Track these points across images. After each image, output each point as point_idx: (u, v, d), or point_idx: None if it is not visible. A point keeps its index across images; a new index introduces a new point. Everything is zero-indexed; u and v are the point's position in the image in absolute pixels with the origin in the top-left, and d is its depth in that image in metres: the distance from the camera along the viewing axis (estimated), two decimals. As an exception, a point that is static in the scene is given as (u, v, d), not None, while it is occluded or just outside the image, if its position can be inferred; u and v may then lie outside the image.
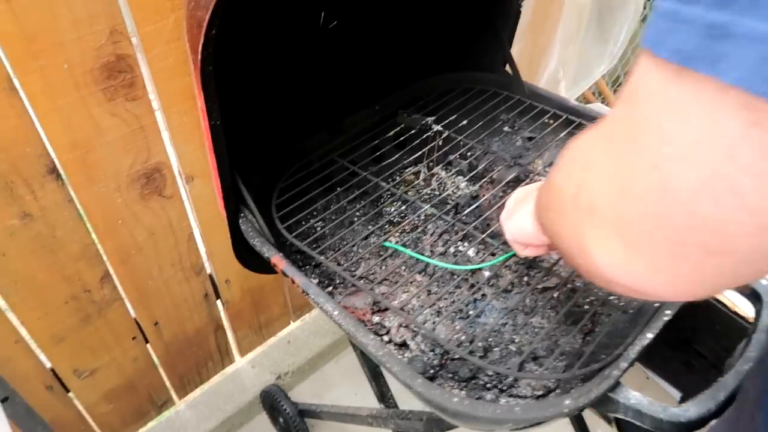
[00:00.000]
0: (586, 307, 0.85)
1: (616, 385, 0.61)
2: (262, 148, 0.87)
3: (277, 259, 0.76)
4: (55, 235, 0.90)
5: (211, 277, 1.20)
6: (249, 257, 0.86)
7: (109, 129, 0.86)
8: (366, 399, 1.43)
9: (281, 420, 1.33)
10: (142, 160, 0.93)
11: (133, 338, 1.13)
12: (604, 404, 0.62)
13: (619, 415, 0.63)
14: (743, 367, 0.64)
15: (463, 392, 0.78)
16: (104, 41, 0.77)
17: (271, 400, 1.33)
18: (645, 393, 0.62)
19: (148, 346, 1.17)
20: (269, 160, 0.90)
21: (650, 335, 0.65)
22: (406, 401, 1.02)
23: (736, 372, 0.64)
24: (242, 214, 0.82)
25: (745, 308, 1.15)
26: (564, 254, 0.44)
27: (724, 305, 1.16)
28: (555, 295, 0.88)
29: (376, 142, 0.97)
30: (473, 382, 0.79)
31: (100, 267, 0.99)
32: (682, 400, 1.38)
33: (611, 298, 0.87)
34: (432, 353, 0.81)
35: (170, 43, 0.84)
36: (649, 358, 1.44)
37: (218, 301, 1.25)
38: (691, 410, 0.61)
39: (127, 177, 0.93)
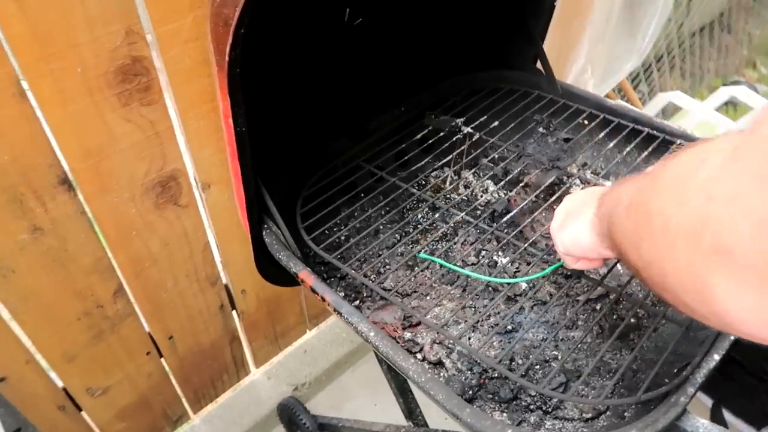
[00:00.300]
0: (632, 320, 0.80)
1: (683, 412, 0.56)
2: (285, 154, 0.82)
3: (306, 275, 0.71)
4: (66, 249, 0.85)
5: (226, 287, 1.15)
6: (272, 270, 0.81)
7: (124, 136, 0.81)
8: (387, 410, 1.38)
9: (299, 434, 1.28)
10: (157, 168, 0.88)
11: (147, 353, 1.08)
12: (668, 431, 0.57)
13: (684, 445, 0.58)
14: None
15: (505, 414, 0.73)
16: (119, 42, 0.72)
17: (290, 414, 1.28)
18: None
19: (163, 360, 1.12)
20: (293, 168, 0.85)
21: (717, 357, 0.60)
22: (434, 416, 0.97)
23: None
24: (266, 226, 0.77)
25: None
26: (659, 286, 0.39)
27: None
28: (597, 307, 0.83)
29: (403, 146, 0.92)
30: (515, 403, 0.74)
31: (113, 281, 0.94)
32: (716, 405, 1.33)
33: (657, 308, 0.82)
34: (470, 372, 0.76)
35: (188, 42, 0.79)
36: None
37: (234, 312, 1.20)
38: (766, 440, 0.56)
39: (142, 186, 0.88)
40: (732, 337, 0.62)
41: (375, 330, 0.65)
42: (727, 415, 1.33)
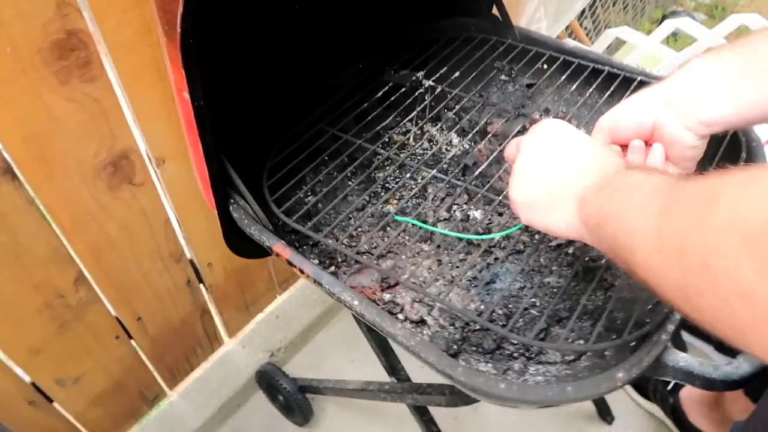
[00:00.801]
0: (603, 261, 0.82)
1: (665, 349, 0.59)
2: (245, 125, 0.78)
3: (281, 248, 0.69)
4: (18, 242, 0.80)
5: (192, 262, 1.11)
6: (243, 245, 0.79)
7: (66, 116, 0.75)
8: (364, 366, 1.40)
9: (281, 398, 1.29)
10: (107, 147, 0.83)
11: (117, 337, 1.05)
12: (652, 369, 0.59)
13: (667, 378, 0.60)
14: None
15: (490, 364, 0.74)
16: (51, 15, 0.66)
17: (268, 380, 1.28)
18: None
19: (133, 342, 1.10)
20: (254, 138, 0.81)
21: (692, 292, 0.62)
22: (417, 372, 0.99)
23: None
24: (232, 201, 0.74)
25: None
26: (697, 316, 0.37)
27: None
28: (570, 251, 0.85)
29: (365, 105, 0.89)
30: (498, 353, 0.75)
31: (72, 269, 0.89)
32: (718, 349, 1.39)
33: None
34: (452, 327, 0.77)
35: (127, 11, 0.73)
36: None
37: (201, 286, 1.18)
38: (743, 366, 0.58)
39: (92, 168, 0.82)
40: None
41: (359, 298, 0.64)
42: (685, 336, 1.41)
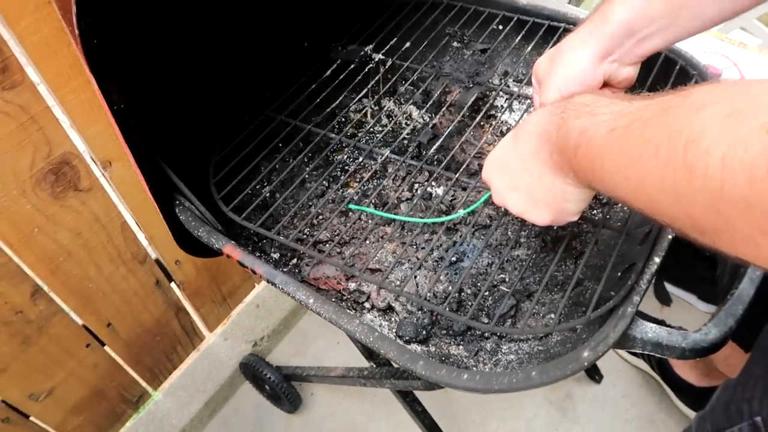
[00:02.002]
0: (574, 229, 0.80)
1: (631, 321, 0.56)
2: (184, 121, 0.74)
3: (231, 249, 0.66)
4: (-40, 264, 0.76)
5: (158, 262, 1.08)
6: (196, 246, 0.75)
7: (-9, 128, 0.71)
8: (350, 346, 1.38)
9: (267, 388, 1.27)
10: (44, 156, 0.78)
11: (87, 345, 1.02)
12: (620, 343, 0.57)
13: (636, 351, 0.58)
14: (756, 273, 0.60)
15: (461, 347, 0.72)
16: (-50, 22, 0.61)
17: (253, 371, 1.26)
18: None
19: (107, 348, 1.07)
20: (195, 133, 0.77)
21: (657, 259, 0.60)
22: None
23: (750, 279, 0.60)
24: (177, 202, 0.70)
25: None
26: (674, 221, 0.37)
27: None
28: (537, 221, 0.82)
29: (314, 85, 0.84)
30: (469, 334, 0.73)
31: (26, 283, 0.86)
32: (658, 280, 1.38)
33: (593, 214, 0.82)
34: (421, 312, 0.74)
35: (41, 9, 0.68)
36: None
37: (172, 284, 1.14)
38: (712, 332, 0.56)
39: (31, 178, 0.78)
40: (670, 236, 0.61)
41: (314, 296, 0.61)
42: (669, 287, 1.40)
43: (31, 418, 1.00)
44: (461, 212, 0.76)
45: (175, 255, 1.10)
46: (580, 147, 0.46)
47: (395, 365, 0.56)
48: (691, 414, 1.21)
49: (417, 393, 1.03)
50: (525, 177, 0.56)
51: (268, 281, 0.63)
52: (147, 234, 1.02)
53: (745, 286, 0.59)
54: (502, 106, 0.90)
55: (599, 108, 0.45)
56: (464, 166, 0.77)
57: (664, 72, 0.76)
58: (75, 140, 0.82)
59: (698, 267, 1.30)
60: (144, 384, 1.20)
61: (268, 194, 0.81)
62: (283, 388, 1.24)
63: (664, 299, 1.38)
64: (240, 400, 1.34)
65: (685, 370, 1.18)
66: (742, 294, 0.59)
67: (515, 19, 0.86)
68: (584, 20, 0.61)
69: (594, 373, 1.30)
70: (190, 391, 1.28)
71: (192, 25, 0.73)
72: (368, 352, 0.96)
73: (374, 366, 0.95)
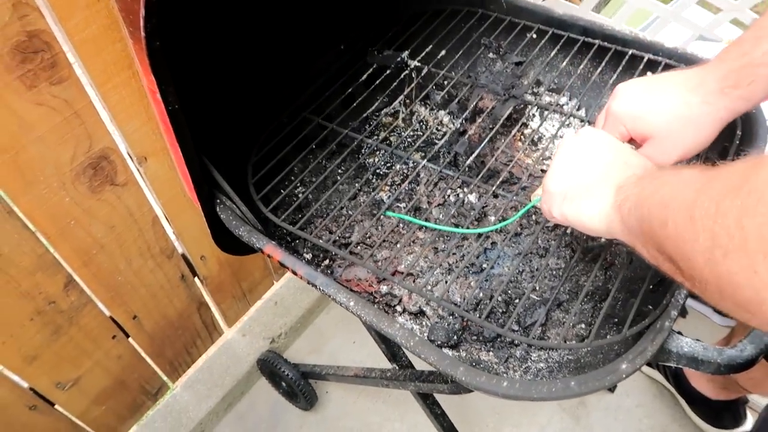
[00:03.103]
0: (602, 240, 0.81)
1: (669, 335, 0.57)
2: (225, 122, 0.75)
3: (272, 249, 0.67)
4: (1, 253, 0.77)
5: (184, 256, 1.09)
6: (233, 244, 0.76)
7: (38, 122, 0.72)
8: (365, 346, 1.40)
9: (284, 385, 1.29)
10: (84, 150, 0.80)
11: (113, 337, 1.04)
12: (657, 356, 0.57)
13: (671, 364, 0.59)
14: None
15: (491, 353, 0.73)
16: (8, 18, 0.62)
17: (270, 368, 1.28)
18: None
19: (131, 340, 1.08)
20: (236, 133, 0.78)
21: (695, 275, 0.60)
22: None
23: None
24: (218, 201, 0.72)
25: None
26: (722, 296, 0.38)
27: None
28: (568, 230, 0.83)
29: (350, 90, 0.85)
30: (499, 340, 0.74)
31: (60, 274, 0.87)
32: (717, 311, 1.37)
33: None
34: (452, 317, 0.76)
35: (90, 6, 0.69)
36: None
37: (196, 279, 1.16)
38: (747, 348, 0.57)
39: (71, 171, 0.80)
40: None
41: (354, 299, 0.62)
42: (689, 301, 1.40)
43: (56, 407, 1.01)
44: (497, 225, 0.77)
45: (201, 250, 1.11)
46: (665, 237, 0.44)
47: (435, 368, 0.57)
48: (705, 427, 1.22)
49: (436, 396, 1.04)
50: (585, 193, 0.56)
51: (309, 282, 0.65)
52: (176, 229, 1.04)
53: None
54: (534, 115, 0.91)
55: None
56: (498, 175, 0.78)
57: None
58: (114, 135, 0.83)
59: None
60: (164, 376, 1.22)
61: (302, 196, 0.82)
62: (300, 385, 1.25)
63: (681, 311, 1.38)
64: (256, 396, 1.35)
65: (701, 382, 1.19)
66: (777, 312, 0.60)
67: (550, 32, 0.87)
68: (718, 59, 0.58)
69: (608, 382, 1.31)
70: (207, 385, 1.29)
71: (238, 29, 0.74)
72: (392, 354, 0.97)
73: (397, 368, 0.96)
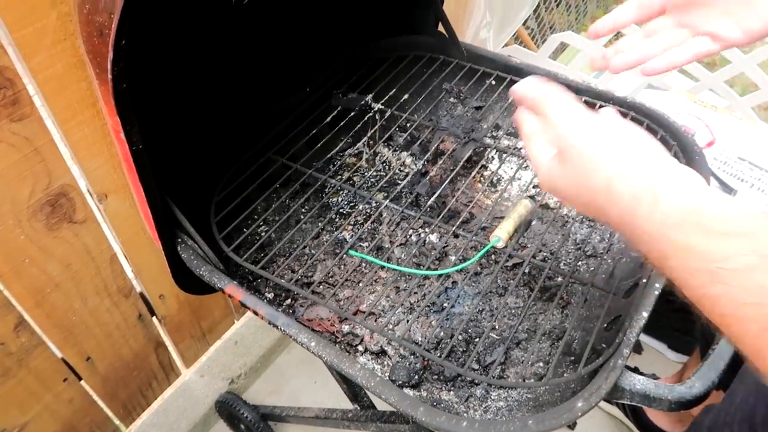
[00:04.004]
0: (559, 279, 0.83)
1: (621, 373, 0.59)
2: (189, 160, 0.75)
3: (233, 290, 0.67)
4: (-51, 293, 0.75)
5: (142, 295, 1.07)
6: (193, 284, 0.76)
7: (-4, 159, 0.71)
8: (326, 386, 1.38)
9: (243, 427, 1.26)
10: (43, 187, 0.78)
11: (65, 380, 1.00)
12: (611, 394, 0.59)
13: (624, 401, 0.61)
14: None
15: (452, 392, 0.74)
16: (-30, 56, 0.62)
17: (229, 409, 1.25)
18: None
19: (83, 383, 1.05)
20: (199, 172, 0.78)
21: (645, 314, 0.63)
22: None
23: (729, 337, 0.64)
24: (179, 240, 0.71)
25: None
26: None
27: None
28: (526, 270, 0.85)
29: (314, 131, 0.87)
30: (460, 379, 0.75)
31: (11, 315, 0.84)
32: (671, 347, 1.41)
33: (578, 265, 0.85)
34: (413, 356, 0.76)
35: (56, 45, 0.69)
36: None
37: (154, 319, 1.13)
38: (696, 386, 0.60)
39: (28, 209, 0.78)
40: (656, 293, 0.65)
41: (315, 339, 0.62)
42: (641, 336, 1.44)
43: (0, 455, 0.96)
44: (458, 267, 0.79)
45: (160, 289, 1.09)
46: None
47: (395, 408, 0.58)
48: None
49: None
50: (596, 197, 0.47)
51: (270, 323, 0.64)
52: (134, 267, 1.02)
53: (724, 342, 0.63)
54: (493, 157, 0.94)
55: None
56: (458, 215, 0.80)
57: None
58: (75, 173, 0.82)
59: (669, 317, 1.34)
60: (116, 420, 1.17)
61: (265, 235, 0.83)
62: (259, 427, 1.22)
63: (636, 347, 1.42)
64: (213, 439, 1.31)
65: (658, 416, 1.22)
66: (722, 350, 0.62)
67: (508, 79, 0.91)
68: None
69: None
70: (163, 429, 1.25)
71: (204, 70, 0.75)
72: (353, 394, 0.96)
73: (358, 408, 0.95)
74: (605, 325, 0.71)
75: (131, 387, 1.17)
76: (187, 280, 0.75)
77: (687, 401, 0.59)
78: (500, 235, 0.73)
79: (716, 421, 0.64)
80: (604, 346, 0.61)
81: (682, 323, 1.32)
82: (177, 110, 0.73)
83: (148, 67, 0.64)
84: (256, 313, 0.65)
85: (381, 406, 0.97)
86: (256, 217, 0.82)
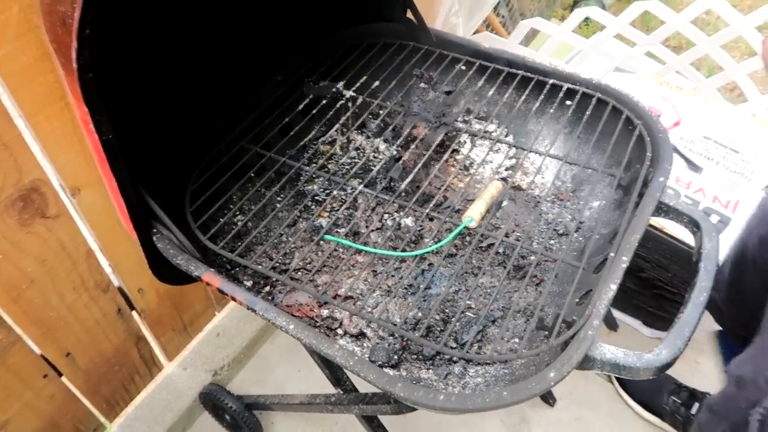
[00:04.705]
0: (532, 257, 0.85)
1: (592, 344, 0.61)
2: (162, 150, 0.75)
3: (210, 277, 0.67)
4: None
5: (121, 290, 1.07)
6: (170, 274, 0.76)
7: (-37, 155, 0.70)
8: (310, 375, 1.39)
9: (227, 417, 1.26)
10: (13, 183, 0.78)
11: (45, 376, 1.00)
12: (582, 364, 0.61)
13: (595, 371, 0.63)
14: (700, 298, 0.66)
15: (431, 371, 0.76)
16: (-68, 51, 0.61)
17: (213, 401, 1.25)
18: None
19: (64, 379, 1.04)
20: (173, 163, 0.78)
21: (613, 286, 0.65)
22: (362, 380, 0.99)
23: (695, 304, 0.66)
24: (155, 230, 0.72)
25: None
26: None
27: (667, 234, 1.19)
28: (500, 250, 0.87)
29: (287, 119, 0.87)
30: (438, 358, 0.76)
31: (-13, 312, 0.84)
32: (646, 323, 1.44)
33: (551, 243, 0.87)
34: (392, 337, 0.78)
35: (19, 37, 0.69)
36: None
37: (134, 313, 1.13)
38: (663, 353, 0.62)
39: (-1, 205, 0.77)
40: (624, 266, 0.67)
41: (294, 322, 0.63)
42: (616, 313, 1.48)
43: (-18, 455, 0.96)
44: (432, 247, 0.80)
45: (139, 283, 1.09)
46: None
47: (374, 386, 0.59)
48: (644, 413, 1.28)
49: (381, 418, 1.04)
50: None
51: (248, 308, 0.65)
52: (111, 262, 1.02)
53: (689, 311, 0.66)
54: (465, 142, 0.95)
55: None
56: (432, 198, 0.82)
57: (613, 122, 0.83)
58: (45, 167, 0.81)
59: (643, 295, 1.38)
60: (100, 416, 1.17)
61: (242, 224, 0.83)
62: (244, 417, 1.23)
63: (612, 324, 1.45)
64: (199, 431, 1.32)
65: None
66: (688, 318, 0.65)
67: (477, 63, 0.92)
68: None
69: (548, 397, 1.35)
70: (147, 423, 1.25)
71: (175, 59, 0.75)
72: (336, 378, 0.97)
73: (341, 392, 0.96)
74: (577, 300, 0.73)
75: (113, 382, 1.16)
76: (164, 270, 0.75)
77: (656, 368, 0.61)
78: (472, 215, 0.74)
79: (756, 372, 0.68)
80: (575, 318, 0.63)
81: (655, 300, 1.36)
82: (148, 100, 0.72)
83: (116, 56, 0.64)
84: (234, 299, 0.66)
85: (363, 389, 0.98)
86: (231, 206, 0.83)
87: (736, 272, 1.11)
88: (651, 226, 1.20)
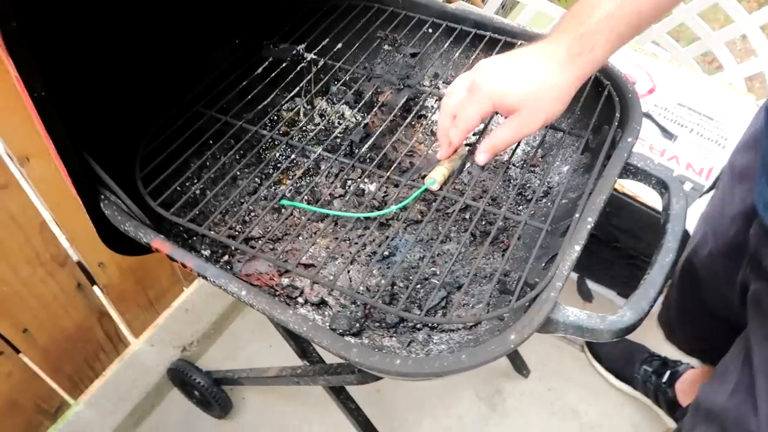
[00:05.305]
0: (499, 223, 0.83)
1: (554, 306, 0.59)
2: (110, 115, 0.72)
3: (159, 243, 0.64)
4: None
5: (80, 264, 1.04)
6: (122, 243, 0.73)
7: None
8: (282, 349, 1.36)
9: (196, 393, 1.24)
10: (-47, 149, 0.74)
11: (1, 353, 0.97)
12: (544, 327, 0.60)
13: (558, 334, 0.62)
14: (666, 259, 0.65)
15: (394, 339, 0.74)
16: None
17: (181, 377, 1.23)
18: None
19: (22, 356, 1.01)
20: (120, 127, 0.74)
21: (578, 247, 0.63)
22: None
23: (660, 266, 0.65)
24: (102, 197, 0.68)
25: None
26: None
27: (640, 203, 1.18)
28: (467, 216, 0.85)
29: (245, 83, 0.84)
30: (402, 325, 0.75)
31: (-67, 287, 0.80)
32: (581, 278, 1.45)
33: (518, 210, 0.85)
34: (354, 305, 0.75)
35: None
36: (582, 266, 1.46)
37: (95, 288, 1.10)
38: (627, 315, 0.60)
39: (-62, 174, 0.74)
40: (589, 227, 0.65)
41: (246, 288, 0.61)
42: (591, 284, 1.47)
43: (-63, 434, 0.93)
44: (393, 207, 0.78)
45: (99, 257, 1.06)
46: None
47: (331, 353, 0.57)
48: (614, 380, 1.30)
49: (350, 391, 1.03)
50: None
51: (198, 274, 0.63)
52: (68, 235, 0.98)
53: (655, 272, 0.64)
54: (432, 106, 0.92)
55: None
56: (396, 163, 0.79)
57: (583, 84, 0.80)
58: (-11, 134, 0.78)
59: (617, 265, 1.37)
60: (63, 394, 1.15)
61: (198, 191, 0.80)
62: (213, 392, 1.21)
63: (587, 296, 1.45)
64: (168, 408, 1.30)
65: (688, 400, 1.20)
66: (653, 279, 0.63)
67: (444, 25, 0.89)
68: (559, 31, 0.63)
69: (522, 369, 1.35)
70: (113, 400, 1.23)
71: (120, 14, 0.71)
72: (301, 350, 0.95)
73: (308, 364, 0.95)
74: (543, 265, 0.72)
75: (77, 359, 1.14)
76: (114, 239, 0.72)
77: (619, 330, 0.60)
78: (435, 177, 0.72)
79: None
80: (537, 280, 0.61)
81: (629, 270, 1.35)
82: (90, 58, 0.68)
83: (51, 7, 0.60)
84: (184, 266, 0.63)
85: (329, 360, 0.97)
86: (186, 172, 0.79)
87: (685, 291, 1.01)
88: (624, 194, 1.20)
